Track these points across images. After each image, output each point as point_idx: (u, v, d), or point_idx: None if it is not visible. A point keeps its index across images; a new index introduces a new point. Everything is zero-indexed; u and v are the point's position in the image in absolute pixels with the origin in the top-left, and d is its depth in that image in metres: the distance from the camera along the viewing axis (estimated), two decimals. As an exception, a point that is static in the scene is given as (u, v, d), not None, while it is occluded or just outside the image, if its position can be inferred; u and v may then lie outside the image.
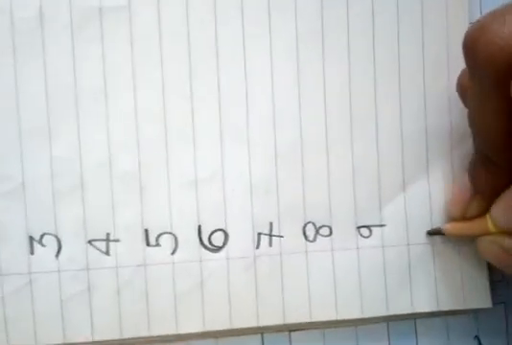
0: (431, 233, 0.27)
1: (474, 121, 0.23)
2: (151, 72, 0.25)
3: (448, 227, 0.27)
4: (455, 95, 0.26)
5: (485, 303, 0.28)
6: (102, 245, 0.26)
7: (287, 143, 0.26)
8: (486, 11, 0.23)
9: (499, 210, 0.25)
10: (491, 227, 0.25)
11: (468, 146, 0.27)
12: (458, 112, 0.27)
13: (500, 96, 0.21)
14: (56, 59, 0.25)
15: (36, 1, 0.25)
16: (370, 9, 0.26)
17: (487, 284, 0.28)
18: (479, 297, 0.28)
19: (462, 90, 0.25)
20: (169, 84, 0.25)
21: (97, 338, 0.26)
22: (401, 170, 0.27)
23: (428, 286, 0.27)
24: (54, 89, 0.25)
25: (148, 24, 0.25)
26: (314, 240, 0.27)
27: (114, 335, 0.26)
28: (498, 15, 0.21)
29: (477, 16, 0.27)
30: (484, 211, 0.25)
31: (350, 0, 0.26)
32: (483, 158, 0.24)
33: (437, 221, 0.28)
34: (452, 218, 0.27)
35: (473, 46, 0.21)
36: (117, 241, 0.26)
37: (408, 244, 0.27)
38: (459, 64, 0.26)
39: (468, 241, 0.27)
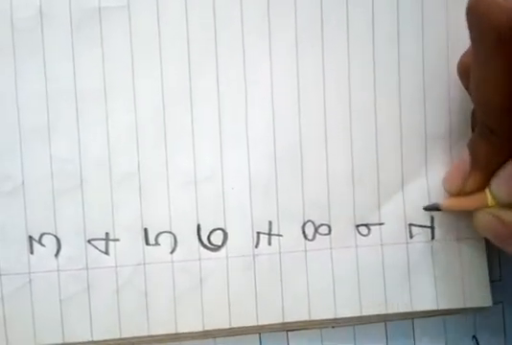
0: (428, 209, 0.27)
1: (476, 90, 0.23)
2: (150, 72, 0.25)
3: (445, 202, 0.27)
4: (455, 93, 0.26)
5: (486, 302, 0.28)
6: (101, 245, 0.26)
7: (286, 142, 0.26)
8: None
9: (499, 183, 0.24)
10: (490, 201, 0.25)
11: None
12: (458, 111, 0.27)
13: (503, 59, 0.21)
14: (55, 59, 0.25)
15: (36, 1, 0.25)
16: (370, 8, 0.26)
17: (488, 282, 0.28)
18: (480, 296, 0.28)
19: (463, 70, 0.25)
20: (168, 84, 0.26)
21: (96, 338, 0.26)
22: (399, 168, 0.27)
23: (427, 284, 0.27)
24: (53, 89, 0.25)
25: (147, 24, 0.25)
26: (314, 238, 0.27)
27: (113, 335, 0.26)
28: None
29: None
30: (483, 185, 0.25)
31: (349, 2, 0.26)
32: (484, 130, 0.24)
33: (436, 219, 0.28)
34: (450, 193, 0.27)
35: (476, 8, 0.21)
36: (116, 240, 0.26)
37: (407, 243, 0.27)
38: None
39: (468, 240, 0.28)
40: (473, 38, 0.22)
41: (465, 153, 0.26)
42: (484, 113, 0.24)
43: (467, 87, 0.25)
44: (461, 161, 0.26)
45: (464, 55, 0.25)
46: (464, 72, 0.25)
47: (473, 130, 0.27)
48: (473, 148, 0.25)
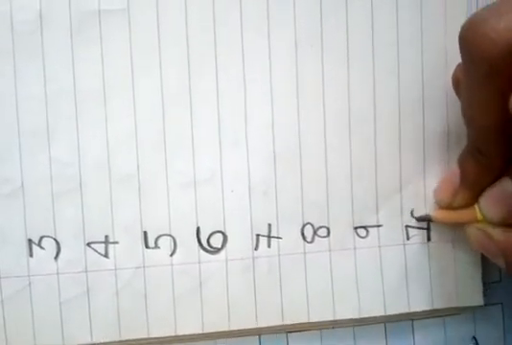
0: (420, 219, 0.27)
1: (465, 112, 0.24)
2: (149, 74, 0.25)
3: (436, 214, 0.27)
4: (453, 96, 0.26)
5: (478, 301, 0.28)
6: (100, 248, 0.26)
7: (285, 144, 0.26)
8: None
9: (487, 202, 0.25)
10: (479, 216, 0.25)
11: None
12: (456, 113, 0.27)
13: (492, 89, 0.21)
14: (55, 62, 0.25)
15: (36, 4, 0.25)
16: (369, 10, 0.26)
17: (480, 282, 0.28)
18: (472, 295, 0.28)
19: (456, 83, 0.25)
20: (167, 86, 0.26)
21: (96, 340, 0.26)
22: (398, 171, 0.27)
23: (423, 285, 0.28)
24: (53, 91, 0.25)
25: (146, 27, 0.25)
26: (312, 241, 0.27)
27: (113, 337, 0.26)
28: (494, 10, 0.21)
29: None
30: (472, 201, 0.26)
31: (349, 2, 0.26)
32: (474, 150, 0.25)
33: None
34: (440, 207, 0.27)
35: (467, 39, 0.21)
36: (116, 243, 0.26)
37: (404, 244, 0.28)
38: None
39: (463, 242, 0.28)
40: (465, 65, 0.22)
41: (455, 167, 0.26)
42: (474, 134, 0.24)
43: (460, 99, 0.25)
44: (451, 175, 0.26)
45: (457, 69, 0.25)
46: (457, 86, 0.25)
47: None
48: (462, 165, 0.26)
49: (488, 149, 0.24)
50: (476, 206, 0.26)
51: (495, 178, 0.25)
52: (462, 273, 0.28)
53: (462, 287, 0.28)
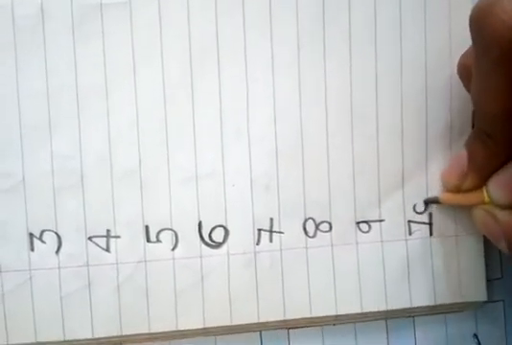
0: (428, 202, 0.27)
1: (476, 97, 0.23)
2: (151, 68, 0.25)
3: (444, 196, 0.27)
4: (456, 91, 0.26)
5: (481, 296, 0.28)
6: (102, 242, 0.26)
7: (287, 139, 0.26)
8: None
9: (496, 185, 0.25)
10: (487, 199, 0.25)
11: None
12: (458, 108, 0.27)
13: (503, 73, 0.21)
14: (56, 56, 0.25)
15: (38, -2, 0.25)
16: (372, 6, 0.26)
17: (484, 277, 0.28)
18: (475, 290, 0.28)
19: (463, 70, 0.25)
20: (169, 81, 0.26)
21: (97, 335, 0.26)
22: (400, 165, 0.27)
23: (425, 280, 0.28)
24: (54, 86, 0.25)
25: (148, 21, 0.25)
26: (314, 235, 0.27)
27: (114, 332, 0.26)
28: None
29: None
30: (479, 185, 0.26)
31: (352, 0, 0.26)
32: (482, 134, 0.24)
33: (434, 216, 0.28)
34: (447, 189, 0.27)
35: (479, 21, 0.21)
36: (117, 237, 0.26)
37: (406, 239, 0.28)
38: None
39: (466, 237, 0.28)
40: (475, 48, 0.22)
41: (463, 151, 0.26)
42: (483, 118, 0.24)
43: (468, 88, 0.25)
44: (458, 159, 0.26)
45: (463, 56, 0.25)
46: (464, 73, 0.25)
47: (473, 128, 0.27)
48: (470, 149, 0.26)
49: (496, 134, 0.24)
50: (483, 189, 0.25)
51: (503, 162, 0.24)
52: (465, 268, 0.28)
53: (465, 283, 0.28)
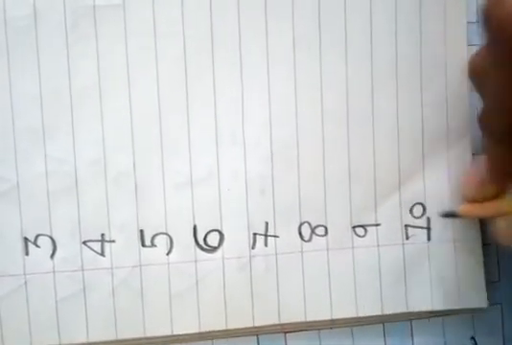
0: (446, 215, 0.27)
1: (495, 95, 0.22)
2: (145, 71, 0.25)
3: (464, 208, 0.26)
4: (452, 95, 0.26)
5: (481, 303, 0.28)
6: (97, 246, 0.25)
7: (282, 143, 0.26)
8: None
9: None
10: (509, 209, 0.25)
11: (464, 146, 0.27)
12: (455, 112, 0.27)
13: None
14: (50, 58, 0.25)
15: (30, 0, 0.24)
16: (368, 9, 0.26)
17: (483, 283, 0.28)
18: (475, 297, 0.28)
19: (473, 71, 0.24)
20: (164, 83, 0.25)
21: (92, 339, 0.25)
22: (396, 169, 0.27)
23: (423, 285, 0.27)
24: (48, 88, 0.25)
25: (142, 23, 0.25)
26: (310, 239, 0.27)
27: (109, 336, 0.26)
28: None
29: (474, 16, 0.27)
30: (499, 193, 0.25)
31: (348, 1, 0.26)
32: (502, 138, 0.23)
33: (432, 220, 0.28)
34: (467, 201, 0.26)
35: (491, 16, 0.20)
36: (112, 241, 0.26)
37: (403, 244, 0.27)
38: (457, 64, 0.26)
39: (464, 242, 0.27)
40: (488, 44, 0.22)
41: (482, 161, 0.25)
42: (503, 118, 0.23)
43: (479, 89, 0.24)
44: (475, 167, 0.26)
45: (473, 59, 0.24)
46: (475, 76, 0.24)
47: (483, 136, 0.26)
48: (490, 156, 0.25)
49: None
50: (505, 198, 0.25)
51: None
52: (464, 274, 0.28)
53: (464, 289, 0.28)
